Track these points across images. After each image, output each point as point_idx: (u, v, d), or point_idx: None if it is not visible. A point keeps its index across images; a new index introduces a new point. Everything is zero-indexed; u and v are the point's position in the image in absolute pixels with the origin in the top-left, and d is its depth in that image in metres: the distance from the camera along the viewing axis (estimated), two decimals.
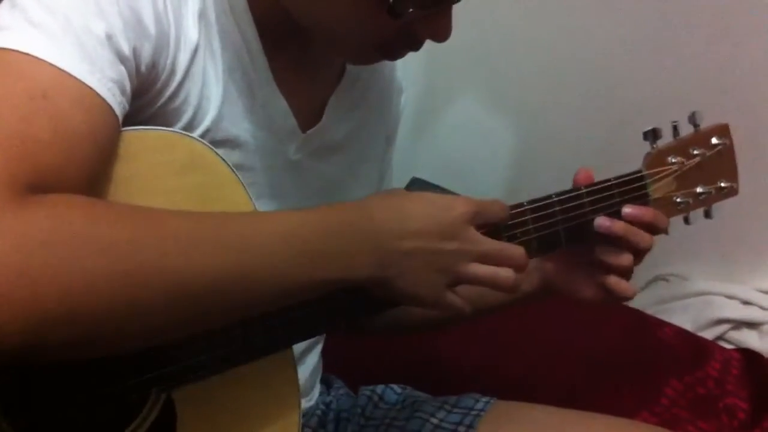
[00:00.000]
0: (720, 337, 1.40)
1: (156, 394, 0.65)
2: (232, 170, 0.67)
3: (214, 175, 0.67)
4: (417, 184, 1.66)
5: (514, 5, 1.52)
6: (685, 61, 1.44)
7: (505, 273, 0.69)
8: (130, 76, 0.62)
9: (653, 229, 0.79)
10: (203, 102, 0.70)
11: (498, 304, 0.89)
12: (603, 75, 1.53)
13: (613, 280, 0.79)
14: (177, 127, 0.68)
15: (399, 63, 0.92)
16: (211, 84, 0.71)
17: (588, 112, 1.58)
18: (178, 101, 0.68)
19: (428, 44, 0.73)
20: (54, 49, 0.57)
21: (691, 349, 1.29)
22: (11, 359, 0.51)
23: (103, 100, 0.59)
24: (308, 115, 0.80)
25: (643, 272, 1.57)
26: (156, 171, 0.64)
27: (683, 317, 1.42)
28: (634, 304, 1.47)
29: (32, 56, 0.56)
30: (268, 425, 0.70)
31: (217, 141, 0.71)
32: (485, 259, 0.69)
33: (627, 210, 0.79)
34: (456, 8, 0.69)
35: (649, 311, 1.41)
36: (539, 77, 1.59)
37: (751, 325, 1.40)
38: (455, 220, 0.67)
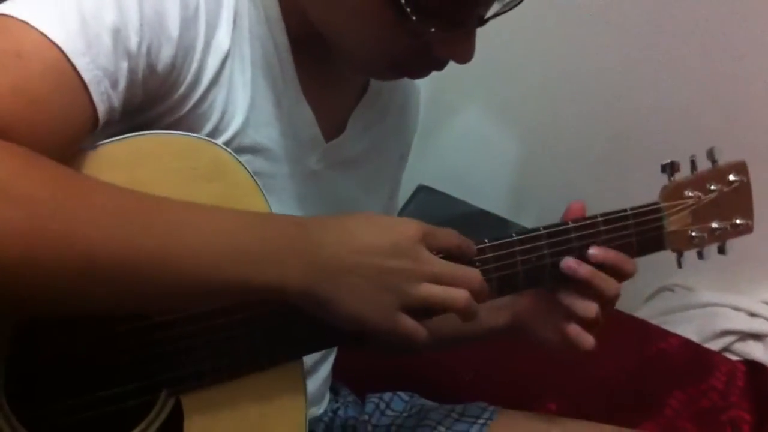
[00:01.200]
0: (726, 349, 1.40)
1: (165, 397, 0.66)
2: (254, 179, 0.68)
3: (236, 184, 0.67)
4: (423, 192, 1.66)
5: (519, 19, 1.52)
6: (684, 73, 1.45)
7: (459, 294, 0.66)
8: (132, 72, 0.61)
9: (620, 273, 0.77)
10: (229, 108, 0.70)
11: (461, 335, 0.87)
12: (605, 87, 1.54)
13: (573, 330, 0.77)
14: (203, 133, 0.69)
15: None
16: (238, 90, 0.71)
17: (591, 122, 1.58)
18: (204, 107, 0.69)
19: None
20: (50, 22, 0.57)
21: (696, 361, 1.28)
22: None
23: (83, 83, 0.58)
24: (331, 127, 0.80)
25: (647, 283, 1.58)
26: (178, 177, 0.65)
27: (688, 328, 1.42)
28: (639, 314, 1.47)
29: (27, 23, 0.56)
30: None
31: (241, 147, 0.72)
32: (438, 279, 0.65)
33: (592, 251, 0.76)
34: None
35: (654, 322, 1.40)
36: (543, 86, 1.60)
37: (757, 337, 1.40)
38: (403, 239, 0.65)
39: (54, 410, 0.63)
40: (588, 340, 0.78)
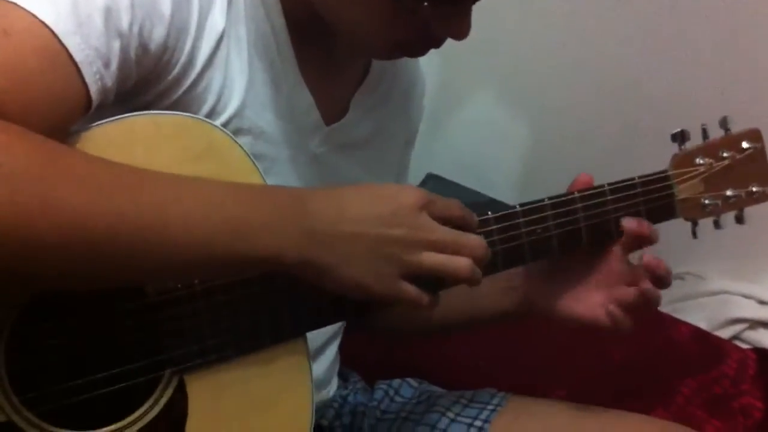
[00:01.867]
0: (736, 337, 1.40)
1: (169, 376, 0.66)
2: (250, 158, 0.67)
3: (231, 163, 0.67)
4: (432, 181, 1.66)
5: (528, 3, 1.52)
6: (699, 60, 1.44)
7: (462, 262, 0.65)
8: (125, 52, 0.61)
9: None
10: (226, 90, 0.70)
11: (468, 318, 0.89)
12: (616, 73, 1.53)
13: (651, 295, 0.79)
14: (200, 114, 0.69)
15: (422, 65, 0.92)
16: (235, 72, 0.71)
17: (602, 110, 1.58)
18: (199, 88, 0.69)
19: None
20: (40, 3, 0.57)
21: (707, 349, 1.28)
22: None
23: (75, 63, 0.58)
24: (332, 111, 0.80)
25: None
26: (172, 157, 0.64)
27: (699, 316, 1.41)
28: None
29: (16, 4, 0.56)
30: (279, 413, 0.70)
31: (240, 129, 0.72)
32: (439, 247, 0.65)
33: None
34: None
35: (665, 310, 1.40)
36: (553, 75, 1.60)
37: None
38: (401, 207, 0.64)
39: (57, 391, 0.63)
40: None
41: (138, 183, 0.57)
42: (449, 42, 0.72)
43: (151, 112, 0.65)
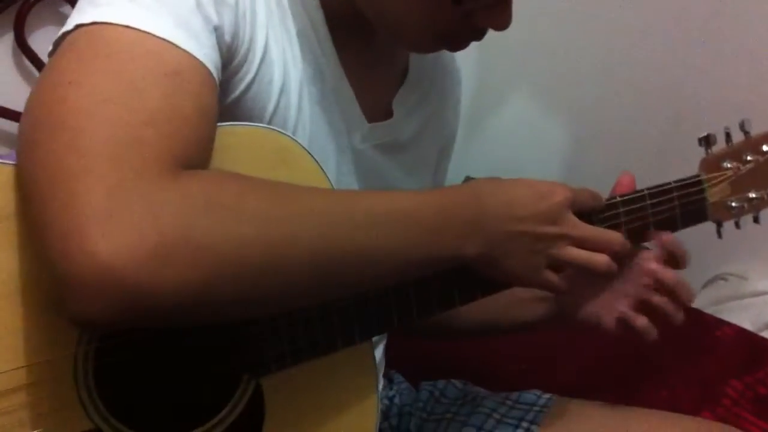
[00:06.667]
0: None
1: (246, 381, 0.68)
2: (318, 164, 0.69)
3: (302, 170, 0.69)
4: None
5: (567, 3, 1.52)
6: (739, 60, 1.43)
7: (600, 258, 0.73)
8: (220, 43, 0.62)
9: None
10: (285, 85, 0.71)
11: (499, 323, 0.93)
12: (656, 74, 1.52)
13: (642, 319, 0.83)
14: (268, 111, 0.70)
15: (460, 62, 0.93)
16: (290, 65, 0.72)
17: (641, 112, 1.57)
18: (264, 82, 0.69)
19: (480, 43, 0.75)
20: (155, 21, 0.57)
21: (751, 349, 1.27)
22: (164, 318, 0.54)
23: (207, 69, 0.60)
24: (373, 110, 0.81)
25: (701, 272, 1.56)
26: (248, 167, 0.64)
27: (742, 317, 1.40)
28: (693, 303, 1.45)
29: (142, 31, 0.56)
30: (349, 414, 0.73)
31: (300, 125, 0.73)
32: (583, 243, 0.72)
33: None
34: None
35: (708, 311, 1.39)
36: (591, 75, 1.59)
37: None
38: (556, 206, 0.70)
39: (142, 400, 0.65)
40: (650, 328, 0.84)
41: (347, 204, 0.62)
42: (486, 43, 0.74)
43: (225, 123, 0.65)
